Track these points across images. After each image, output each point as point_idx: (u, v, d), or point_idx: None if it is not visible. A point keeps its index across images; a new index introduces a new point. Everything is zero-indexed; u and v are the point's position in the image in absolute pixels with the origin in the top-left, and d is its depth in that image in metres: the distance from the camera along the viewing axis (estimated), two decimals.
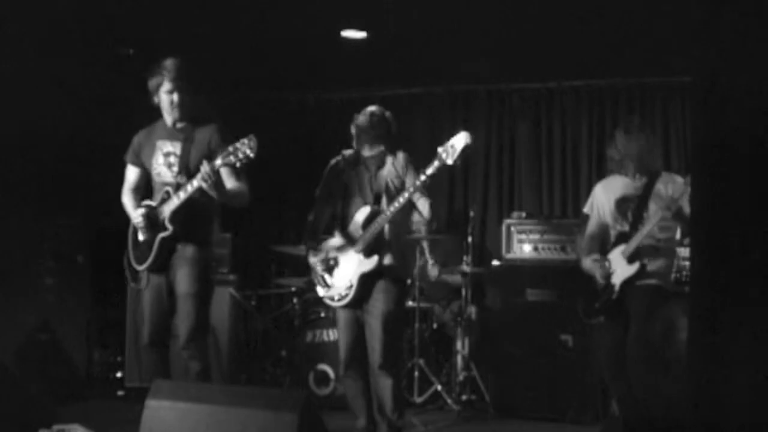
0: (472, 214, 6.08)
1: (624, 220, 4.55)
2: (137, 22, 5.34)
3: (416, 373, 5.65)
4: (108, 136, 4.48)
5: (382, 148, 4.35)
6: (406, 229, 4.47)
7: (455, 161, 3.98)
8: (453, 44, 5.85)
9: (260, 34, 5.68)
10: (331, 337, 5.58)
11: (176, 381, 3.98)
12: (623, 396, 4.54)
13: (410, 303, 5.67)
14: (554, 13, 5.20)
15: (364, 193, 4.28)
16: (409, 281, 5.19)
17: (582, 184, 6.61)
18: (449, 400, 5.59)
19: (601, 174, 5.57)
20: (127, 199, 4.31)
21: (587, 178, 6.59)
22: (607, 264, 4.52)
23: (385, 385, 4.19)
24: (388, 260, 4.21)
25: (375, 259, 4.16)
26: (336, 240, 4.35)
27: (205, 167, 3.86)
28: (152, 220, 4.13)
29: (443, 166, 4.00)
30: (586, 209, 4.83)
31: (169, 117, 4.21)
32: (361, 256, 4.19)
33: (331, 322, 5.30)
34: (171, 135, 4.21)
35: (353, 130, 4.38)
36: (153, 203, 4.18)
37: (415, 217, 4.62)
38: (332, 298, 4.30)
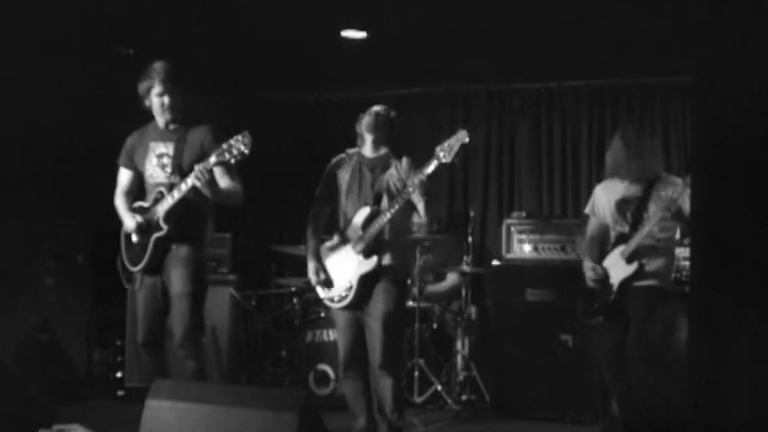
0: (472, 214, 6.08)
1: (624, 222, 4.56)
2: (137, 22, 5.34)
3: (416, 373, 5.65)
4: (108, 136, 4.48)
5: (386, 150, 4.34)
6: (406, 229, 4.46)
7: (453, 160, 3.98)
8: (453, 44, 5.85)
9: (260, 34, 5.68)
10: (331, 337, 5.58)
11: (176, 381, 3.98)
12: (623, 396, 4.54)
13: (410, 303, 5.66)
14: (554, 13, 5.20)
15: (365, 194, 4.28)
16: (409, 281, 5.18)
17: (582, 184, 6.61)
18: (449, 400, 5.59)
19: (601, 174, 5.57)
20: (120, 202, 4.32)
21: (587, 178, 6.59)
22: (603, 272, 4.53)
23: (385, 385, 4.19)
24: (387, 261, 4.21)
25: (374, 259, 4.16)
26: (334, 242, 4.36)
27: (199, 165, 3.86)
28: (146, 222, 4.13)
29: (442, 165, 4.00)
30: (586, 210, 4.84)
31: (160, 119, 4.24)
32: (360, 257, 4.19)
33: (331, 322, 5.30)
34: (164, 136, 4.23)
35: (358, 129, 4.37)
36: (146, 204, 4.19)
37: (416, 218, 4.62)
38: (332, 299, 4.30)
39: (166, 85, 4.16)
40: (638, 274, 4.43)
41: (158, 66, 4.20)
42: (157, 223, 4.09)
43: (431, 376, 5.65)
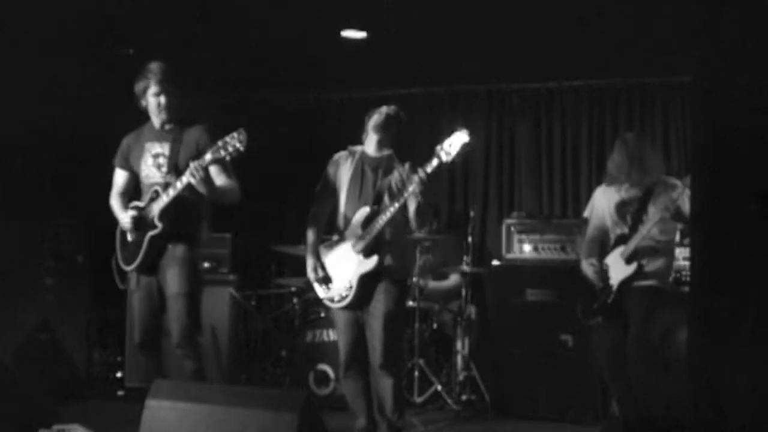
0: (472, 214, 6.08)
1: (623, 223, 4.57)
2: (137, 22, 5.34)
3: (416, 373, 5.65)
4: (108, 136, 4.48)
5: (390, 151, 4.33)
6: (406, 229, 4.46)
7: (454, 159, 3.98)
8: (453, 44, 5.85)
9: (260, 34, 5.68)
10: (331, 337, 5.58)
11: (176, 381, 3.98)
12: (623, 396, 4.55)
13: (410, 303, 5.66)
14: (554, 13, 5.20)
15: (366, 192, 4.27)
16: (409, 282, 5.18)
17: (582, 184, 6.61)
18: (449, 400, 5.59)
19: (601, 173, 5.57)
20: (115, 202, 4.33)
21: (587, 178, 6.59)
22: (602, 267, 4.55)
23: (385, 385, 4.19)
24: (387, 261, 4.20)
25: (375, 259, 4.16)
26: (333, 241, 4.35)
27: (194, 162, 3.87)
28: (141, 220, 4.14)
29: (442, 164, 4.00)
30: (586, 213, 4.86)
31: (156, 119, 4.25)
32: (360, 257, 4.19)
33: (331, 322, 5.29)
34: (159, 136, 4.24)
35: (366, 125, 4.34)
36: (141, 204, 4.19)
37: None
38: (332, 299, 4.29)
39: (162, 85, 4.17)
40: (637, 274, 4.44)
41: (154, 66, 4.21)
42: (152, 221, 4.10)
43: (431, 376, 5.65)
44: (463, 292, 5.88)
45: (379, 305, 4.17)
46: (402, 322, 4.58)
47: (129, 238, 4.22)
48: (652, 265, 4.48)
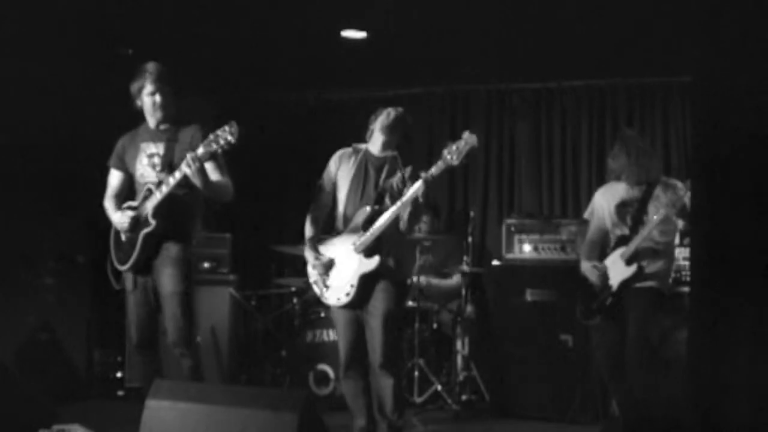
0: (472, 214, 6.08)
1: (624, 225, 4.58)
2: (137, 22, 5.34)
3: (416, 373, 5.65)
4: (108, 136, 4.48)
5: (394, 153, 4.32)
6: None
7: (460, 162, 3.98)
8: (453, 44, 5.85)
9: (260, 34, 5.68)
10: (331, 337, 5.58)
11: (176, 381, 3.98)
12: (623, 396, 4.55)
13: (410, 303, 5.66)
14: (554, 13, 5.20)
15: (367, 192, 4.26)
16: (409, 281, 5.18)
17: (582, 184, 6.61)
18: (449, 400, 5.59)
19: (601, 173, 5.58)
20: (109, 204, 4.35)
21: (587, 178, 6.59)
22: (602, 268, 4.56)
23: (385, 384, 4.18)
24: (388, 261, 4.20)
25: (376, 260, 4.15)
26: (332, 240, 4.35)
27: (189, 155, 3.88)
28: (135, 219, 4.16)
29: (449, 167, 4.00)
30: (586, 215, 4.87)
31: (151, 119, 4.27)
32: (361, 257, 4.18)
33: (331, 322, 5.29)
34: (154, 137, 4.26)
35: (371, 125, 4.33)
36: (134, 204, 4.20)
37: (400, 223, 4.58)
38: (332, 299, 4.29)
39: (158, 84, 4.19)
40: (638, 275, 4.45)
41: (150, 66, 4.23)
42: (146, 218, 4.11)
43: (431, 376, 5.65)
44: (463, 292, 5.88)
45: (378, 305, 4.16)
46: (402, 321, 4.58)
47: (123, 238, 4.24)
48: (652, 266, 4.48)
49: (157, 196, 4.07)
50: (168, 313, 4.13)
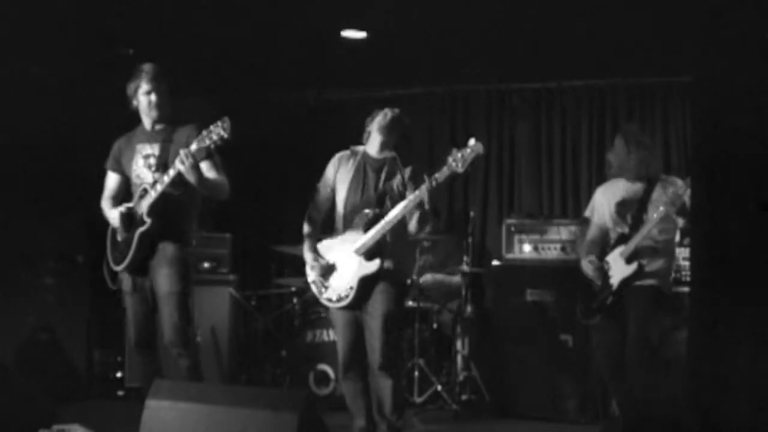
0: (472, 214, 6.08)
1: (624, 223, 4.58)
2: (137, 22, 5.34)
3: (416, 373, 5.65)
4: (108, 136, 4.48)
5: (393, 154, 4.32)
6: (406, 231, 4.45)
7: (465, 170, 3.98)
8: (453, 44, 5.84)
9: (260, 34, 5.68)
10: (331, 337, 5.58)
11: (176, 381, 3.98)
12: (623, 396, 4.55)
13: (410, 303, 5.66)
14: (554, 14, 5.20)
15: (367, 194, 4.26)
16: (408, 281, 5.18)
17: (582, 184, 6.61)
18: (449, 400, 5.59)
19: (601, 174, 5.58)
20: (106, 205, 4.37)
21: (587, 178, 6.59)
22: (603, 265, 4.55)
23: (385, 385, 4.18)
24: (388, 264, 4.19)
25: (376, 263, 4.14)
26: (332, 241, 4.35)
27: (183, 151, 3.89)
28: (131, 218, 4.16)
29: (453, 174, 4.00)
30: (586, 213, 4.87)
31: (147, 119, 4.28)
32: (361, 259, 4.18)
33: (331, 322, 5.29)
34: (150, 138, 4.28)
35: (368, 126, 4.34)
36: (131, 204, 4.21)
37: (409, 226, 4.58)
38: (331, 300, 4.29)
39: (153, 84, 4.21)
40: (638, 274, 4.45)
41: (146, 66, 4.26)
42: (141, 217, 4.12)
43: (431, 376, 5.65)
44: (463, 292, 5.88)
45: (378, 305, 4.16)
46: (401, 322, 4.58)
47: (119, 238, 4.24)
48: (653, 265, 4.48)
49: (152, 195, 4.08)
50: (164, 313, 4.13)
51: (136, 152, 4.28)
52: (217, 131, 3.84)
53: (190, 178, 3.96)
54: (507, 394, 5.53)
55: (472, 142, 4.00)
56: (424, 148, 6.83)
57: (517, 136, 6.88)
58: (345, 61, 6.27)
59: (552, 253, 5.66)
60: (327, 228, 4.45)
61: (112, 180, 4.40)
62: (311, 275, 4.35)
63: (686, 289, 5.01)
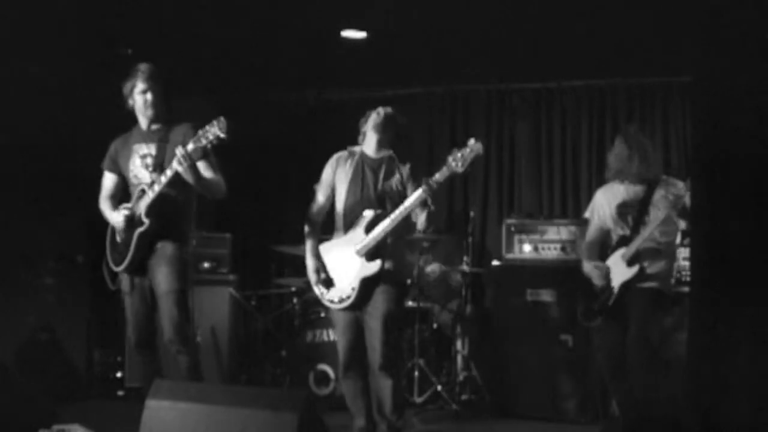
0: (472, 214, 6.09)
1: (625, 225, 4.57)
2: (137, 22, 5.34)
3: (416, 373, 5.65)
4: (108, 136, 4.49)
5: (389, 152, 4.33)
6: (407, 231, 4.45)
7: (465, 170, 3.97)
8: (453, 44, 5.84)
9: (260, 34, 5.68)
10: (331, 337, 5.58)
11: (176, 381, 3.98)
12: (623, 396, 4.55)
13: (410, 303, 5.66)
14: (554, 14, 5.20)
15: (366, 194, 4.26)
16: (408, 281, 5.18)
17: (582, 184, 6.61)
18: (449, 400, 5.58)
19: (601, 174, 5.56)
20: (105, 205, 4.39)
21: (587, 178, 6.59)
22: (605, 268, 4.55)
23: (385, 385, 4.18)
24: (389, 265, 4.19)
25: (377, 263, 4.14)
26: (332, 241, 4.35)
27: (180, 151, 3.89)
28: (129, 219, 4.18)
29: (453, 174, 4.00)
30: (586, 214, 4.86)
31: (143, 118, 4.30)
32: (363, 260, 4.18)
33: (331, 322, 5.29)
34: (146, 138, 4.29)
35: (362, 127, 4.35)
36: (129, 205, 4.22)
37: (417, 224, 4.59)
38: (332, 301, 4.29)
39: (149, 83, 4.23)
40: (639, 276, 4.44)
41: (142, 66, 4.28)
42: (139, 218, 4.13)
43: (431, 376, 5.65)
44: (463, 292, 5.88)
45: (378, 306, 4.16)
46: (401, 322, 4.58)
47: (118, 239, 4.25)
48: (654, 267, 4.47)
49: (150, 195, 4.10)
50: (164, 311, 4.15)
51: (133, 152, 4.29)
52: (213, 131, 3.85)
53: (188, 177, 3.97)
54: (507, 394, 5.53)
55: (471, 141, 3.99)
56: (424, 148, 6.83)
57: (517, 136, 6.88)
58: (345, 61, 6.27)
59: (552, 253, 5.66)
60: (327, 228, 4.45)
61: (109, 180, 4.42)
62: (313, 277, 4.35)
63: (686, 289, 5.01)
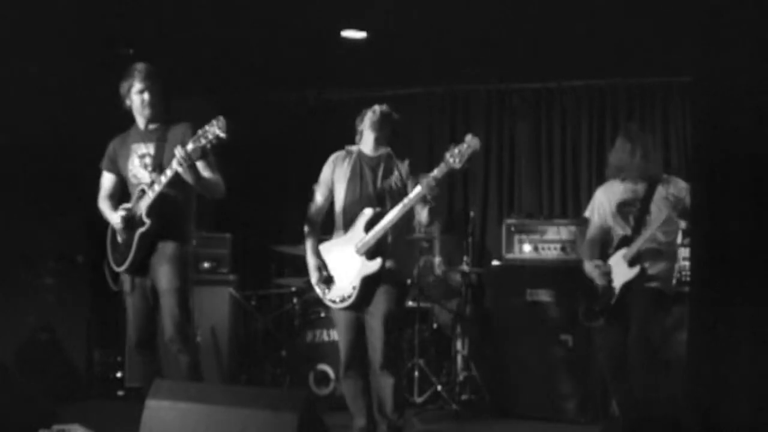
0: (472, 214, 6.08)
1: (626, 224, 4.56)
2: (137, 22, 5.34)
3: (416, 373, 5.65)
4: (108, 136, 4.49)
5: (387, 150, 4.33)
6: (407, 230, 4.45)
7: (463, 166, 3.97)
8: (453, 44, 5.85)
9: (260, 34, 5.68)
10: (331, 337, 5.58)
11: (176, 381, 3.98)
12: (623, 396, 4.54)
13: (410, 303, 5.66)
14: (554, 14, 5.20)
15: (366, 193, 4.26)
16: (409, 281, 5.18)
17: (582, 184, 6.61)
18: (449, 400, 5.58)
19: (601, 174, 5.57)
20: (104, 205, 4.39)
21: (587, 178, 6.59)
22: (607, 268, 4.54)
23: (386, 384, 4.19)
24: (389, 263, 4.19)
25: (378, 261, 4.14)
26: (332, 241, 4.35)
27: (179, 151, 3.89)
28: (130, 220, 4.17)
29: (451, 171, 3.99)
30: (587, 213, 4.84)
31: (141, 118, 4.30)
32: (363, 259, 4.18)
33: (331, 322, 5.30)
34: (145, 137, 4.29)
35: (358, 126, 4.35)
36: (129, 205, 4.22)
37: (419, 221, 4.60)
38: (333, 301, 4.29)
39: (146, 83, 4.23)
40: (641, 277, 4.43)
41: (139, 65, 4.28)
42: (140, 218, 4.13)
43: (431, 376, 5.65)
44: (463, 292, 5.88)
45: (380, 305, 4.16)
46: (402, 322, 4.58)
47: (119, 239, 4.25)
48: (655, 267, 4.47)
49: (150, 195, 4.10)
50: (165, 308, 4.16)
51: (132, 152, 4.29)
52: (213, 130, 3.85)
53: (187, 178, 3.98)
54: (507, 394, 5.53)
55: (468, 137, 3.99)
56: (424, 148, 6.83)
57: (517, 136, 6.88)
58: (345, 61, 6.27)
59: (552, 253, 5.66)
60: (327, 228, 4.45)
61: (107, 180, 4.42)
62: (314, 277, 4.35)
63: (687, 289, 5.01)
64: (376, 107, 4.32)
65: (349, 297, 4.20)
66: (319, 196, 4.41)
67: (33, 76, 5.40)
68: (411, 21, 5.42)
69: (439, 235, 6.01)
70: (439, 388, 5.63)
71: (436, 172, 3.99)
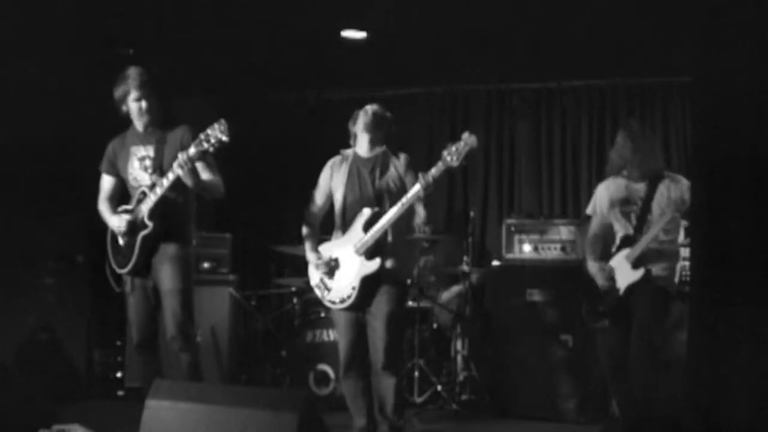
0: (472, 214, 6.08)
1: (627, 223, 4.53)
2: (137, 22, 5.34)
3: (416, 373, 5.65)
4: (107, 136, 4.49)
5: (383, 149, 4.33)
6: (407, 230, 4.46)
7: (460, 163, 3.97)
8: (453, 44, 5.85)
9: (260, 34, 5.68)
10: (331, 337, 5.58)
11: (176, 381, 3.98)
12: (623, 396, 4.54)
13: (410, 303, 5.66)
14: (554, 14, 5.20)
15: (364, 194, 4.26)
16: (409, 281, 5.17)
17: (582, 184, 6.61)
18: (449, 400, 5.58)
19: (601, 173, 5.56)
20: (104, 207, 4.39)
21: (587, 178, 6.59)
22: (610, 269, 4.52)
23: (387, 384, 4.19)
24: (389, 263, 4.20)
25: (377, 261, 4.14)
26: (333, 242, 4.35)
27: (181, 155, 3.89)
28: (132, 223, 4.18)
29: (448, 168, 3.99)
30: (588, 210, 4.82)
31: (139, 123, 4.29)
32: (362, 259, 4.18)
33: (331, 322, 5.29)
34: (144, 140, 4.29)
35: (352, 129, 4.35)
36: (129, 207, 4.22)
37: (417, 218, 4.60)
38: (333, 302, 4.28)
39: (142, 90, 4.21)
40: (645, 280, 4.40)
41: (132, 71, 4.24)
42: (143, 221, 4.14)
43: (431, 376, 5.65)
44: (463, 292, 5.88)
45: (381, 306, 4.17)
46: (403, 322, 4.57)
47: (120, 241, 4.26)
48: (659, 267, 4.44)
49: (152, 198, 4.10)
50: (167, 308, 4.16)
51: (131, 154, 4.29)
52: (215, 135, 3.84)
53: (188, 181, 3.98)
54: (507, 394, 5.53)
55: (465, 135, 3.99)
56: (424, 148, 6.83)
57: (517, 136, 6.89)
58: (345, 61, 6.27)
59: (552, 253, 5.65)
60: (327, 228, 4.45)
61: (107, 182, 4.42)
62: (314, 278, 4.35)
63: (687, 288, 5.00)
64: (368, 108, 4.31)
65: (349, 297, 4.20)
66: (317, 202, 4.42)
67: (33, 76, 5.41)
68: (411, 21, 5.42)
69: (430, 236, 5.99)
70: (439, 388, 5.62)
71: (433, 171, 4.00)
